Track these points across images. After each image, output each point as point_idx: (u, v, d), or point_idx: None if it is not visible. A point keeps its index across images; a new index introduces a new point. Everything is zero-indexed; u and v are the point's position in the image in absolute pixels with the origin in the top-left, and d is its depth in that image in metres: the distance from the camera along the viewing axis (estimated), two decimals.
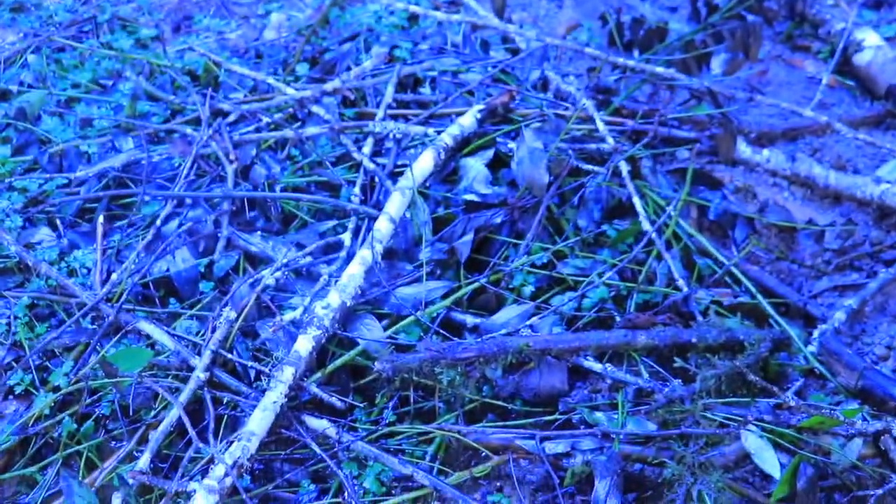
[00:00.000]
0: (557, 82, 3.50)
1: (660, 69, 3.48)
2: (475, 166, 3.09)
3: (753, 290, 2.89)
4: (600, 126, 3.21)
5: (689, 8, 4.06)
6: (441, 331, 2.70)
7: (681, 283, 2.86)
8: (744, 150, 3.34)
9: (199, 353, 2.60)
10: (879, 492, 2.24)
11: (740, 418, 2.39)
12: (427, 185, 3.06)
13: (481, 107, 3.23)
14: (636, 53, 3.77)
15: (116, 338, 2.69)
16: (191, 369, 2.57)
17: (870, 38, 3.72)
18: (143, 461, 2.32)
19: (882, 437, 2.34)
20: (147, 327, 2.69)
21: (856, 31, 3.76)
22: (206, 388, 2.52)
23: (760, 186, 3.32)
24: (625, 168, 3.10)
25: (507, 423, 2.57)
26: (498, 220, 2.98)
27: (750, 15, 3.87)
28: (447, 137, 3.12)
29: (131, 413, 2.55)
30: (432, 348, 2.55)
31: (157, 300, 2.86)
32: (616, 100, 3.45)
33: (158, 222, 3.00)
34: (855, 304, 2.88)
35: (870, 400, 2.51)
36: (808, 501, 2.28)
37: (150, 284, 2.87)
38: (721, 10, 3.88)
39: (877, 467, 2.34)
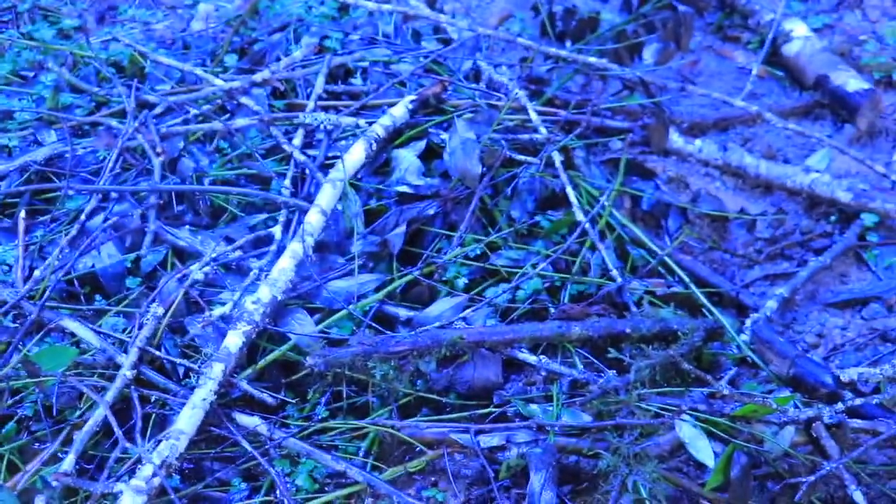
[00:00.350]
0: (490, 73, 3.48)
1: (592, 59, 3.47)
2: (407, 157, 3.06)
3: (686, 279, 2.89)
4: (533, 116, 3.19)
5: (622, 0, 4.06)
6: (374, 325, 2.66)
7: (615, 273, 2.85)
8: (676, 140, 3.35)
9: (125, 351, 2.54)
10: (811, 479, 2.24)
11: (674, 408, 2.38)
12: (359, 177, 3.02)
13: (413, 97, 3.20)
14: (568, 44, 3.76)
15: (39, 336, 2.61)
16: (117, 367, 2.50)
17: (798, 29, 3.75)
18: (68, 462, 2.26)
19: (813, 425, 2.35)
20: (71, 325, 2.62)
21: (784, 22, 3.78)
22: (133, 387, 2.46)
23: (693, 176, 3.33)
24: (558, 158, 3.08)
25: (442, 417, 2.54)
26: (431, 212, 2.95)
27: (681, 5, 3.88)
28: (379, 128, 3.08)
29: (55, 413, 2.49)
30: (365, 342, 2.52)
31: (81, 297, 2.79)
32: (548, 90, 3.44)
33: (83, 217, 2.92)
34: (786, 292, 2.90)
35: (801, 388, 2.52)
36: (741, 490, 2.29)
37: (75, 281, 2.80)
38: (652, 0, 3.88)
39: (809, 455, 2.35)
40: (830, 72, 3.55)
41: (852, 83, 3.46)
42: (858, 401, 2.40)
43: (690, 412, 2.37)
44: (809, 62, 3.63)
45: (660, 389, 2.51)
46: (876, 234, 3.05)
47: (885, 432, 2.34)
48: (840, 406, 2.36)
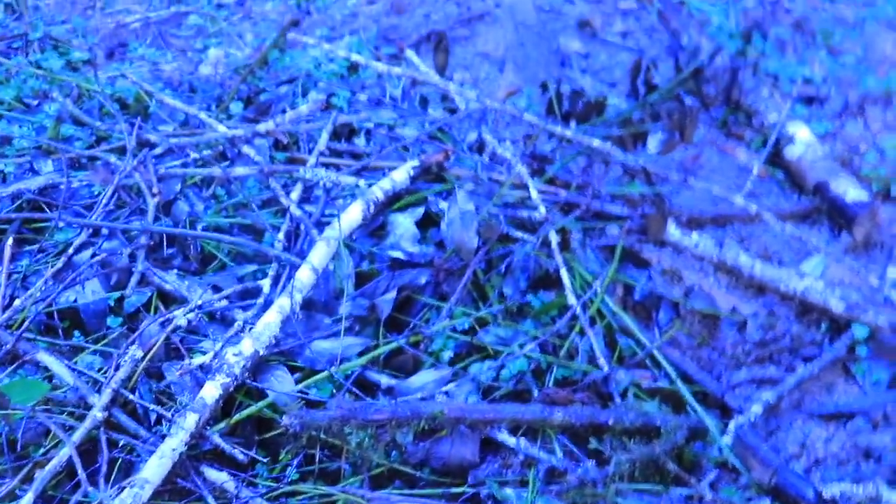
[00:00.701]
0: (494, 145, 3.47)
1: (597, 143, 3.47)
2: (404, 223, 3.04)
3: (673, 374, 2.86)
4: (534, 194, 3.18)
5: (628, 85, 4.07)
6: (354, 389, 2.62)
7: (602, 361, 2.82)
8: (673, 232, 3.33)
9: (98, 391, 2.49)
10: None
11: None
12: (353, 237, 2.99)
13: (416, 163, 3.19)
14: (573, 125, 3.76)
15: (13, 367, 2.56)
16: (88, 407, 2.46)
17: (801, 133, 3.76)
18: (26, 501, 2.19)
19: None
20: (46, 359, 2.57)
21: (788, 125, 3.79)
22: (102, 429, 2.41)
23: (687, 270, 3.31)
24: (554, 239, 3.06)
25: (414, 491, 2.49)
26: (422, 281, 2.92)
27: (688, 97, 3.90)
28: (378, 191, 3.06)
29: (19, 448, 2.43)
30: (343, 407, 2.48)
31: (60, 331, 2.74)
32: (551, 169, 3.43)
33: (71, 250, 2.88)
34: (772, 398, 2.86)
35: (782, 498, 2.49)
36: None
37: (55, 314, 2.75)
38: (660, 90, 3.90)
39: None
40: (831, 179, 3.54)
41: (851, 193, 3.46)
42: None
43: None
44: (811, 167, 3.63)
45: (638, 486, 2.47)
46: (865, 347, 3.02)
47: None
48: None
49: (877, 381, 2.94)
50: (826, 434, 2.81)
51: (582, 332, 2.89)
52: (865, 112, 4.06)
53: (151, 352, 2.58)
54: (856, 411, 2.85)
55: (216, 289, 2.83)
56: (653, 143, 3.65)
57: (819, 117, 4.01)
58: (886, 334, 3.01)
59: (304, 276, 2.75)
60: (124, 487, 2.20)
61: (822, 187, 3.57)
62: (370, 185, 3.09)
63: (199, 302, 2.73)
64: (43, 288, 2.76)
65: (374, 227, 3.06)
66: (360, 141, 3.47)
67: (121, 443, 2.42)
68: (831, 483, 2.52)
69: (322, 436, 2.48)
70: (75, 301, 2.76)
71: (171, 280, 2.85)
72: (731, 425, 2.71)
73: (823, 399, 2.92)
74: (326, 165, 3.28)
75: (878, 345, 3.02)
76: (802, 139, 3.75)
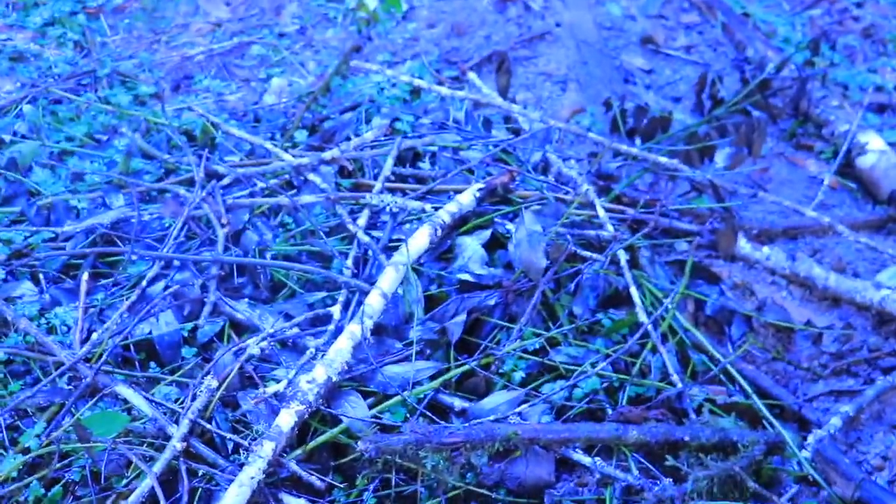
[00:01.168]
0: (559, 165, 3.46)
1: (663, 159, 3.45)
2: (471, 245, 3.04)
3: (748, 389, 2.82)
4: (600, 213, 3.17)
5: (693, 99, 4.05)
6: (428, 413, 2.62)
7: (675, 378, 2.79)
8: (744, 246, 3.30)
9: (176, 422, 2.52)
10: None
11: None
12: (421, 261, 2.99)
13: (481, 185, 3.19)
14: (638, 142, 3.75)
15: (93, 401, 2.60)
16: (167, 438, 2.48)
17: (874, 142, 3.71)
18: None
19: None
20: (125, 391, 2.60)
21: (859, 134, 3.75)
22: (181, 459, 2.43)
23: (759, 284, 3.28)
24: (623, 257, 3.05)
25: None
26: (492, 303, 2.91)
27: (755, 111, 3.86)
28: (444, 214, 3.07)
29: (102, 480, 2.46)
30: (418, 431, 2.47)
31: (137, 363, 2.77)
32: (617, 187, 3.42)
33: (144, 283, 2.93)
34: (851, 410, 2.81)
35: None
36: None
37: (131, 346, 2.79)
38: (726, 103, 3.87)
39: None
40: None
41: None
42: None
43: None
44: (884, 176, 3.59)
45: (717, 503, 2.44)
46: None
47: None
48: None
49: None
50: None
51: (654, 350, 2.86)
52: None
53: (226, 381, 2.60)
54: None
55: (287, 317, 2.85)
56: (720, 157, 3.62)
57: (891, 126, 3.95)
58: None
59: (374, 301, 2.76)
60: None
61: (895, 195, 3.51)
62: (436, 209, 3.10)
63: (271, 330, 2.75)
64: (119, 321, 2.80)
65: (442, 250, 3.06)
66: (424, 165, 3.48)
67: (200, 472, 2.45)
68: None
69: (397, 460, 2.47)
70: (150, 333, 2.80)
71: (242, 309, 2.88)
72: (811, 439, 2.67)
73: None
74: (392, 190, 3.30)
75: None
76: (875, 148, 3.70)
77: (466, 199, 3.15)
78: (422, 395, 2.66)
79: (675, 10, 4.74)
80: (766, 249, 3.32)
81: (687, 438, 2.59)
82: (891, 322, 3.10)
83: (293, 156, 3.44)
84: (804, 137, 3.94)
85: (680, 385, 2.77)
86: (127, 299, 2.88)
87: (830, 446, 2.64)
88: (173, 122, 3.71)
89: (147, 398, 2.59)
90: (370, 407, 2.61)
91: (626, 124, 3.82)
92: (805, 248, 3.41)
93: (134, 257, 3.04)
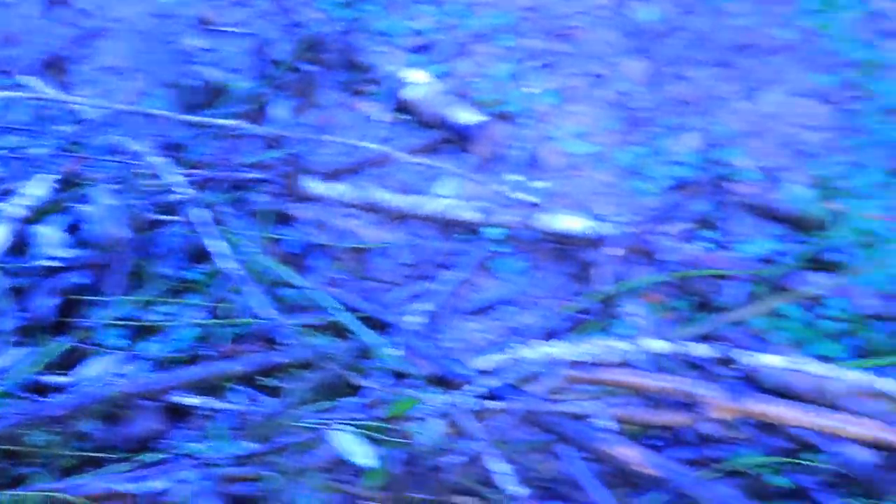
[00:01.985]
0: (129, 144, 3.55)
1: (227, 122, 3.62)
2: (48, 232, 3.09)
3: (338, 309, 3.06)
4: (173, 178, 3.30)
5: (251, 67, 4.24)
6: (30, 396, 2.66)
7: (268, 312, 2.98)
8: (316, 186, 3.54)
9: None
10: (459, 460, 2.45)
11: (328, 421, 2.53)
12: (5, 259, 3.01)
13: (52, 176, 3.23)
14: (204, 112, 3.90)
15: None
16: None
17: (417, 77, 4.05)
18: None
19: (455, 413, 2.55)
20: None
21: (405, 72, 4.08)
22: None
23: (338, 219, 3.53)
24: (204, 215, 3.20)
25: (106, 470, 2.57)
26: (82, 281, 2.98)
27: (310, 67, 4.11)
28: (20, 210, 3.09)
29: None
30: (19, 412, 2.52)
31: None
32: (188, 155, 3.55)
33: None
34: (432, 307, 3.13)
35: (445, 383, 2.73)
36: (400, 484, 2.46)
37: None
38: (281, 64, 4.10)
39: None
40: (448, 110, 3.87)
41: (467, 117, 3.79)
42: (489, 383, 2.61)
43: (346, 422, 2.52)
44: (431, 104, 3.93)
45: (317, 406, 2.65)
46: (505, 246, 3.34)
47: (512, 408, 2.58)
48: (473, 391, 2.58)
49: (518, 272, 3.27)
50: (481, 326, 3.11)
51: (241, 292, 3.04)
52: (473, 49, 4.42)
53: None
54: (496, 302, 3.18)
55: None
56: (281, 111, 3.85)
57: (434, 62, 4.32)
58: (520, 230, 3.35)
59: None
60: None
61: (442, 119, 3.88)
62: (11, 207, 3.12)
63: None
64: None
65: (24, 243, 3.09)
66: None
67: None
68: (477, 357, 2.81)
69: (6, 446, 2.50)
70: None
71: None
72: (397, 338, 2.94)
73: (473, 298, 3.23)
74: None
75: (515, 241, 3.36)
76: (419, 81, 4.04)
77: (40, 191, 3.19)
78: (20, 380, 2.69)
79: None
80: (339, 186, 3.58)
81: (285, 361, 2.78)
82: (455, 226, 3.45)
83: None
84: (358, 84, 4.23)
85: (274, 317, 2.96)
86: None
87: (415, 338, 2.93)
88: None
89: None
90: None
91: (190, 99, 3.95)
92: (372, 179, 3.70)
93: None
